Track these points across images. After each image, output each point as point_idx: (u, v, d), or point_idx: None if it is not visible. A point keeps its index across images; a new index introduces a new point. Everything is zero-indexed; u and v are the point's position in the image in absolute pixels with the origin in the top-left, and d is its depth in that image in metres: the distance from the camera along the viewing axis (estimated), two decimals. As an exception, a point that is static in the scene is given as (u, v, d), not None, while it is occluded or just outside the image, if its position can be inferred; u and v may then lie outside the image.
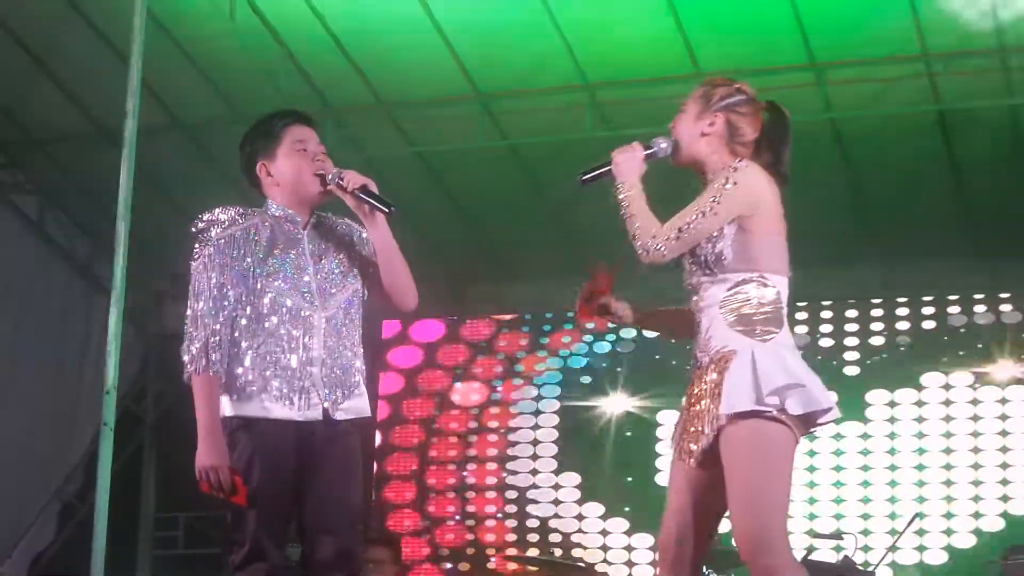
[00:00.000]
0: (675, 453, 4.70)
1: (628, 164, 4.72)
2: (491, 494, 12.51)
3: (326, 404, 4.93)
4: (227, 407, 4.91)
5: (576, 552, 12.07)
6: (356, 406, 5.04)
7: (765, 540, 4.39)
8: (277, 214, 5.09)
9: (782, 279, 4.65)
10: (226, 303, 4.93)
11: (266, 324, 4.94)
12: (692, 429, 4.61)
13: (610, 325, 5.12)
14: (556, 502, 12.38)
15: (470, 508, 12.53)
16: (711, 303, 4.61)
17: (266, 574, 4.83)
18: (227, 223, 5.01)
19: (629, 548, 12.09)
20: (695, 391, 4.65)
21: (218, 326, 4.89)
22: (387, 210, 5.02)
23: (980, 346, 11.69)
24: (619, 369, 12.42)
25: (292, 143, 5.12)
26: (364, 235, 5.18)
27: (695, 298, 4.71)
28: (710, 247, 4.60)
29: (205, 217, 5.04)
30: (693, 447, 4.58)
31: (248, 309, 4.94)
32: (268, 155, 5.13)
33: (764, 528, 4.40)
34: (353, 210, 5.07)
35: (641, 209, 4.64)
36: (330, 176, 5.05)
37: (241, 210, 5.07)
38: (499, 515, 12.45)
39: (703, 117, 4.78)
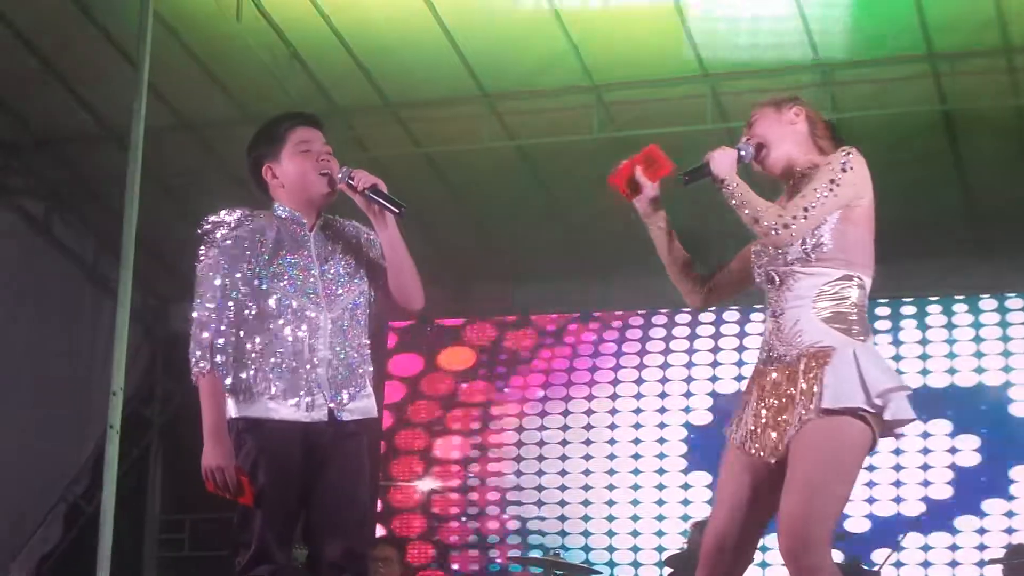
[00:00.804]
0: (740, 448, 4.56)
1: (725, 161, 4.59)
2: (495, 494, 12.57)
3: (332, 405, 4.92)
4: (233, 408, 4.90)
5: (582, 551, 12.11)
6: (362, 407, 5.03)
7: (815, 539, 4.30)
8: (283, 216, 5.08)
9: (869, 281, 4.60)
10: (231, 305, 4.91)
11: (271, 326, 4.92)
12: (774, 421, 4.47)
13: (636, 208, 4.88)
14: (563, 503, 12.42)
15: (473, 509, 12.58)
16: (802, 296, 4.51)
17: (287, 576, 4.84)
18: (233, 224, 5.01)
19: (635, 548, 12.12)
20: (774, 382, 4.52)
21: (223, 327, 4.89)
22: (397, 210, 5.02)
23: (984, 341, 11.73)
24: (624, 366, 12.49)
25: (296, 144, 5.11)
26: (372, 237, 5.17)
27: (781, 289, 4.57)
28: (810, 232, 4.51)
29: (211, 219, 5.04)
30: (777, 440, 4.44)
31: (254, 311, 4.93)
32: (273, 157, 5.12)
33: (817, 527, 4.32)
34: (363, 210, 5.08)
35: (753, 195, 4.53)
36: (339, 175, 5.05)
37: (247, 212, 5.07)
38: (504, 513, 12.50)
39: (783, 112, 4.73)
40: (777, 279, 4.59)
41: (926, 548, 11.32)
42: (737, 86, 10.00)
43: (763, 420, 4.52)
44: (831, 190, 4.47)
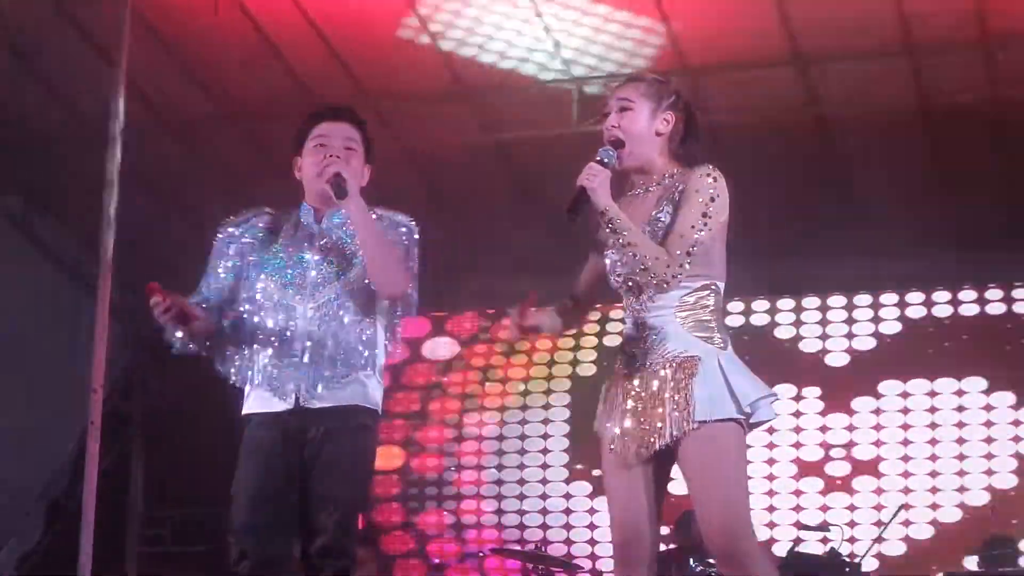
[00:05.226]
0: (614, 457, 4.65)
1: (602, 187, 4.57)
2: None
3: (323, 392, 4.94)
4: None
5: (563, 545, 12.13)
6: (349, 394, 5.03)
7: (741, 529, 4.50)
8: (295, 210, 5.19)
9: (723, 285, 4.69)
10: (222, 276, 5.07)
11: (255, 319, 4.99)
12: (649, 424, 4.56)
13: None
14: (544, 496, 12.44)
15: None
16: (664, 306, 4.60)
17: (264, 570, 4.85)
18: (232, 223, 5.17)
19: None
20: (637, 391, 4.62)
21: (206, 290, 5.05)
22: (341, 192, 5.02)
23: (965, 337, 11.75)
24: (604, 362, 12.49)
25: (314, 139, 5.21)
26: (396, 224, 5.31)
27: (641, 298, 4.66)
28: None
29: (231, 219, 5.20)
30: (644, 449, 4.56)
31: (244, 303, 5.02)
32: (298, 151, 5.23)
33: (740, 519, 4.51)
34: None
35: (637, 235, 4.53)
36: (328, 182, 5.06)
37: (262, 210, 5.23)
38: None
39: (657, 116, 4.72)
40: (638, 289, 4.66)
41: (908, 539, 11.39)
42: (715, 80, 9.99)
43: (635, 424, 4.60)
44: (705, 224, 4.52)
